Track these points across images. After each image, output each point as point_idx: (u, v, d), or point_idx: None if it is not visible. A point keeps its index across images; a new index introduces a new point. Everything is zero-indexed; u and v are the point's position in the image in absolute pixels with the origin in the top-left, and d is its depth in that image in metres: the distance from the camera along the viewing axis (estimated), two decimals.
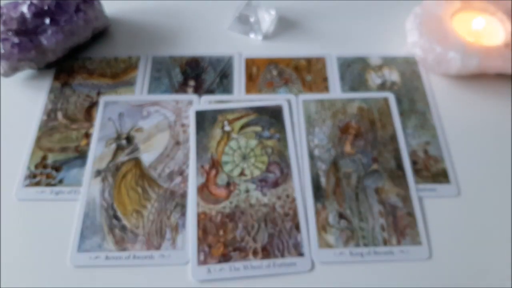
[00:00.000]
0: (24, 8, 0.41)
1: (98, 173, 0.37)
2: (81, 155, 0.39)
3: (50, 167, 0.38)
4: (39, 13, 0.41)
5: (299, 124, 0.41)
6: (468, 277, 0.33)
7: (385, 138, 0.40)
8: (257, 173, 0.37)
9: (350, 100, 0.42)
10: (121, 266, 0.33)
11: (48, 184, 0.37)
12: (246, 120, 0.41)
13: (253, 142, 0.39)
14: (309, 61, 0.46)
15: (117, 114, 0.41)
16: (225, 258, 0.33)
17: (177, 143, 0.39)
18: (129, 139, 0.40)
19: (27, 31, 0.41)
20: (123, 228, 0.35)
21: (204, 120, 0.41)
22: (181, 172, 0.38)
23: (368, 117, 0.41)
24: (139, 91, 0.43)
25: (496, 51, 0.41)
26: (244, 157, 0.38)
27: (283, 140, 0.39)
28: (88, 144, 0.39)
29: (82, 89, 0.43)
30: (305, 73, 0.45)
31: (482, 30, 0.44)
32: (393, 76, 0.45)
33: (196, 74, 0.45)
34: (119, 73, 0.45)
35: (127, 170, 0.38)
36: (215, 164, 0.38)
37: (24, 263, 0.33)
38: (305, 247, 0.34)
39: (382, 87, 0.44)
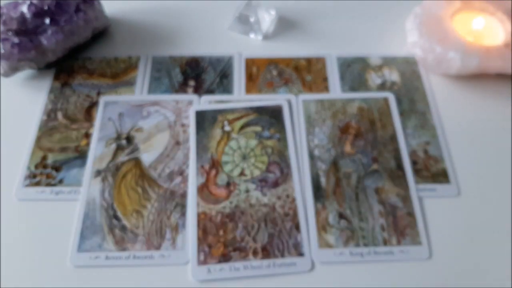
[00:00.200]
0: (24, 8, 0.41)
1: (98, 173, 0.37)
2: (81, 155, 0.39)
3: (50, 167, 0.38)
4: (39, 13, 0.41)
5: (299, 124, 0.41)
6: (468, 277, 0.33)
7: (385, 138, 0.40)
8: (257, 173, 0.37)
9: (350, 100, 0.42)
10: (121, 266, 0.33)
11: (48, 184, 0.37)
12: (246, 120, 0.41)
13: (253, 142, 0.39)
14: (309, 61, 0.46)
15: (117, 114, 0.41)
16: (225, 258, 0.33)
17: (177, 143, 0.39)
18: (129, 139, 0.40)
19: (27, 31, 0.41)
20: (123, 228, 0.35)
21: (204, 120, 0.41)
22: (181, 172, 0.38)
23: (368, 117, 0.41)
24: (139, 91, 0.43)
25: (496, 51, 0.41)
26: (244, 157, 0.38)
27: (283, 140, 0.39)
28: (88, 144, 0.39)
29: (82, 89, 0.43)
30: (305, 73, 0.45)
31: (482, 30, 0.44)
32: (393, 76, 0.45)
33: (196, 74, 0.45)
34: (119, 73, 0.45)
35: (127, 170, 0.38)
36: (215, 164, 0.38)
37: (24, 263, 0.33)
38: (305, 247, 0.34)
39: (382, 87, 0.44)
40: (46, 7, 0.42)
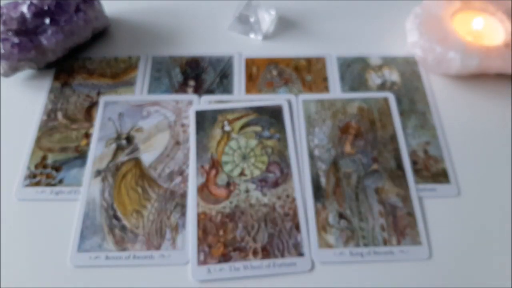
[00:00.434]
0: (24, 8, 0.41)
1: (98, 173, 0.37)
2: (81, 155, 0.39)
3: (50, 167, 0.38)
4: (39, 13, 0.41)
5: (299, 124, 0.41)
6: (468, 277, 0.33)
7: (385, 138, 0.40)
8: (257, 173, 0.37)
9: (350, 100, 0.42)
10: (121, 266, 0.33)
11: (48, 184, 0.37)
12: (246, 120, 0.41)
13: (253, 142, 0.39)
14: (309, 61, 0.46)
15: (117, 114, 0.41)
16: (225, 258, 0.33)
17: (177, 143, 0.39)
18: (129, 139, 0.40)
19: (27, 31, 0.41)
20: (123, 228, 0.35)
21: (204, 120, 0.41)
22: (181, 172, 0.38)
23: (368, 117, 0.41)
24: (139, 91, 0.43)
25: (496, 51, 0.41)
26: (244, 157, 0.38)
27: (283, 140, 0.39)
28: (88, 144, 0.39)
29: (82, 89, 0.43)
30: (305, 73, 0.45)
31: (482, 30, 0.44)
32: (393, 76, 0.45)
33: (196, 74, 0.45)
34: (119, 73, 0.45)
35: (127, 170, 0.38)
36: (215, 164, 0.38)
37: (24, 263, 0.33)
38: (305, 247, 0.34)
39: (382, 87, 0.44)
40: (46, 7, 0.42)
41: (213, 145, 0.39)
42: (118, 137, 0.40)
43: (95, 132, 0.40)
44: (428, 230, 0.35)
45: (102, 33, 0.48)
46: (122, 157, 0.38)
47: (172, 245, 0.34)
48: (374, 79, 0.44)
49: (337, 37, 0.48)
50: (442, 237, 0.35)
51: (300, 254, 0.33)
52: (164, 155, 0.39)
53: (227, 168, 0.38)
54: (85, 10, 0.44)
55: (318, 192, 0.37)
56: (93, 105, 0.42)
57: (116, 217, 0.35)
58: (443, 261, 0.33)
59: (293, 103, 0.42)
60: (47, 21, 0.42)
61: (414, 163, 0.38)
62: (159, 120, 0.41)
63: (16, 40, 0.41)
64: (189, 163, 0.38)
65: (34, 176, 0.37)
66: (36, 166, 0.38)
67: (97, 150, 0.39)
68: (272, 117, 0.41)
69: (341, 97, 0.43)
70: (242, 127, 0.40)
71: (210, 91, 0.43)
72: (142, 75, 0.44)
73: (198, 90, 0.43)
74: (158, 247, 0.34)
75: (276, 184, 0.37)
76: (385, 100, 0.42)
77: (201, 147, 0.39)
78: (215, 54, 0.46)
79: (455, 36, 0.42)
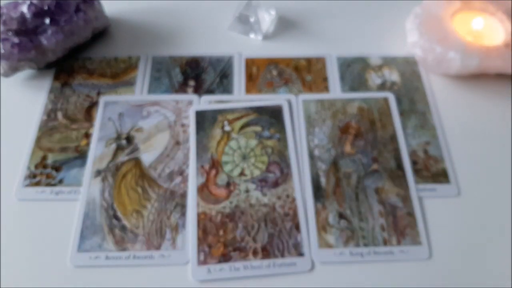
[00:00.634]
0: (24, 8, 0.41)
1: (98, 173, 0.37)
2: (81, 155, 0.39)
3: (50, 167, 0.38)
4: (39, 13, 0.41)
5: (299, 124, 0.41)
6: (468, 277, 0.33)
7: (385, 138, 0.40)
8: (257, 173, 0.37)
9: (350, 100, 0.42)
10: (121, 266, 0.33)
11: (48, 184, 0.37)
12: (246, 120, 0.41)
13: (253, 142, 0.39)
14: (309, 61, 0.46)
15: (117, 114, 0.41)
16: (225, 258, 0.33)
17: (177, 143, 0.39)
18: (129, 139, 0.40)
19: (27, 31, 0.41)
20: (123, 228, 0.35)
21: (204, 120, 0.41)
22: (181, 172, 0.38)
23: (368, 117, 0.41)
24: (139, 91, 0.43)
25: (496, 51, 0.41)
26: (244, 157, 0.38)
27: (283, 140, 0.39)
28: (88, 144, 0.39)
29: (82, 89, 0.43)
30: (305, 73, 0.45)
31: (482, 30, 0.44)
32: (393, 76, 0.45)
33: (196, 74, 0.45)
34: (119, 73, 0.45)
35: (127, 170, 0.38)
36: (215, 164, 0.38)
37: (24, 263, 0.33)
38: (305, 247, 0.34)
39: (382, 87, 0.44)
40: (46, 7, 0.42)
41: (213, 145, 0.39)
42: (118, 137, 0.40)
43: (95, 132, 0.40)
44: (428, 230, 0.35)
45: (102, 33, 0.48)
46: (122, 157, 0.38)
47: (172, 245, 0.34)
48: (374, 79, 0.44)
49: (337, 37, 0.48)
50: (442, 237, 0.35)
51: (300, 254, 0.33)
52: (164, 155, 0.39)
53: (227, 168, 0.38)
54: (85, 10, 0.44)
55: (318, 192, 0.37)
56: (93, 105, 0.42)
57: (116, 217, 0.35)
58: (443, 261, 0.33)
59: (293, 103, 0.42)
60: (47, 21, 0.42)
61: (414, 163, 0.38)
62: (159, 120, 0.41)
63: (16, 40, 0.41)
64: (189, 163, 0.38)
65: (34, 176, 0.37)
66: (36, 166, 0.38)
67: (97, 150, 0.39)
68: (272, 117, 0.41)
69: (341, 97, 0.43)
70: (242, 127, 0.40)
71: (210, 91, 0.43)
72: (142, 75, 0.44)
73: (198, 90, 0.43)
74: (158, 247, 0.34)
75: (276, 184, 0.37)
76: (385, 100, 0.42)
77: (201, 147, 0.39)
78: (215, 54, 0.46)
79: (455, 36, 0.42)
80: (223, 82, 0.44)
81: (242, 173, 0.37)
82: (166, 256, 0.33)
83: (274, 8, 0.49)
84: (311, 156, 0.39)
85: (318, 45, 0.48)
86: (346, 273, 0.33)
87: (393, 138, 0.40)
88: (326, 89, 0.44)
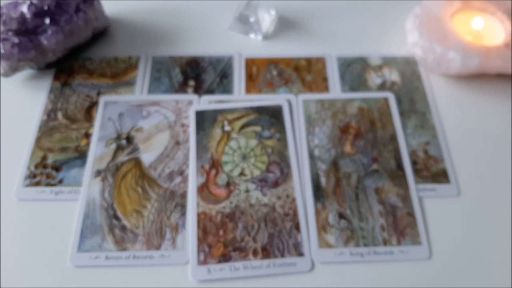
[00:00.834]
0: (24, 8, 0.41)
1: (98, 173, 0.37)
2: (81, 155, 0.39)
3: (50, 167, 0.38)
4: (39, 13, 0.41)
5: (299, 124, 0.41)
6: (468, 277, 0.33)
7: (385, 138, 0.40)
8: (257, 173, 0.37)
9: (350, 100, 0.42)
10: (121, 266, 0.33)
11: (48, 184, 0.37)
12: (246, 120, 0.41)
13: (253, 142, 0.39)
14: (309, 61, 0.46)
15: (117, 114, 0.41)
16: (225, 258, 0.33)
17: (177, 143, 0.39)
18: (129, 139, 0.40)
19: (27, 31, 0.41)
20: (123, 228, 0.35)
21: (204, 120, 0.41)
22: (181, 172, 0.38)
23: (368, 117, 0.41)
24: (139, 91, 0.43)
25: (496, 51, 0.41)
26: (244, 157, 0.38)
27: (283, 140, 0.39)
28: (88, 144, 0.39)
29: (82, 89, 0.43)
30: (305, 73, 0.45)
31: (482, 30, 0.44)
32: (393, 76, 0.45)
33: (196, 74, 0.45)
34: (119, 73, 0.45)
35: (127, 170, 0.38)
36: (215, 164, 0.38)
37: (24, 263, 0.33)
38: (305, 247, 0.34)
39: (382, 87, 0.44)
40: (46, 7, 0.42)
41: (213, 145, 0.39)
42: (118, 137, 0.40)
43: (95, 132, 0.40)
44: (428, 230, 0.35)
45: (102, 33, 0.48)
46: (122, 157, 0.38)
47: (172, 245, 0.34)
48: (374, 79, 0.44)
49: (337, 37, 0.48)
50: (442, 237, 0.35)
51: (300, 254, 0.33)
52: (164, 155, 0.39)
53: (227, 168, 0.38)
54: (85, 10, 0.44)
55: (318, 192, 0.37)
56: (93, 105, 0.42)
57: (116, 217, 0.35)
58: (443, 261, 0.33)
59: (293, 103, 0.42)
60: (47, 21, 0.42)
61: (414, 163, 0.38)
62: (159, 120, 0.41)
63: (16, 40, 0.41)
64: (189, 163, 0.38)
65: (34, 176, 0.37)
66: (36, 166, 0.38)
67: (97, 150, 0.39)
68: (272, 117, 0.41)
69: (341, 97, 0.43)
70: (242, 127, 0.40)
71: (210, 91, 0.43)
72: (142, 75, 0.44)
73: (198, 90, 0.43)
74: (158, 247, 0.34)
75: (276, 184, 0.37)
76: (385, 100, 0.42)
77: (201, 147, 0.39)
78: (215, 54, 0.46)
79: (455, 36, 0.42)
80: (223, 82, 0.44)
81: (242, 173, 0.37)
82: (166, 256, 0.33)
83: (274, 8, 0.49)
84: (311, 156, 0.39)
85: (318, 45, 0.48)
86: (346, 273, 0.33)
87: (393, 138, 0.40)
88: (326, 89, 0.44)
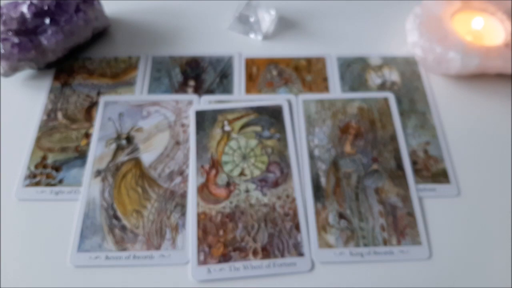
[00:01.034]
0: (24, 8, 0.41)
1: (98, 173, 0.37)
2: (81, 155, 0.39)
3: (50, 167, 0.38)
4: (39, 13, 0.41)
5: (299, 124, 0.41)
6: (468, 277, 0.33)
7: (385, 138, 0.40)
8: (257, 173, 0.37)
9: (350, 100, 0.42)
10: (121, 266, 0.33)
11: (48, 184, 0.37)
12: (246, 120, 0.41)
13: (253, 142, 0.39)
14: (309, 61, 0.46)
15: (117, 114, 0.41)
16: (225, 258, 0.33)
17: (177, 143, 0.39)
18: (129, 139, 0.40)
19: (27, 31, 0.41)
20: (123, 228, 0.35)
21: (204, 120, 0.41)
22: (181, 172, 0.38)
23: (368, 117, 0.41)
24: (139, 91, 0.43)
25: (496, 51, 0.41)
26: (244, 157, 0.38)
27: (283, 140, 0.39)
28: (88, 144, 0.39)
29: (82, 89, 0.43)
30: (305, 73, 0.45)
31: (482, 30, 0.44)
32: (393, 76, 0.45)
33: (196, 74, 0.45)
34: (119, 73, 0.45)
35: (127, 170, 0.38)
36: (215, 164, 0.38)
37: (24, 263, 0.33)
38: (305, 247, 0.34)
39: (382, 87, 0.44)
40: (46, 7, 0.42)
41: (213, 145, 0.39)
42: (118, 137, 0.40)
43: (95, 132, 0.40)
44: (428, 230, 0.35)
45: (102, 33, 0.48)
46: (122, 157, 0.38)
47: (172, 245, 0.34)
48: (374, 79, 0.44)
49: (337, 37, 0.48)
50: (442, 237, 0.35)
51: (300, 254, 0.33)
52: (164, 155, 0.39)
53: (227, 168, 0.38)
54: (85, 10, 0.44)
55: (318, 192, 0.37)
56: (93, 105, 0.42)
57: (116, 217, 0.35)
58: (443, 261, 0.33)
59: (293, 103, 0.42)
60: (47, 21, 0.42)
61: (414, 163, 0.38)
62: (159, 120, 0.41)
63: (16, 40, 0.41)
64: (189, 163, 0.38)
65: (34, 176, 0.37)
66: (36, 166, 0.38)
67: (97, 150, 0.39)
68: (272, 117, 0.41)
69: (341, 97, 0.43)
70: (242, 127, 0.40)
71: (210, 91, 0.43)
72: (142, 75, 0.44)
73: (198, 90, 0.43)
74: (158, 247, 0.34)
75: (276, 184, 0.37)
76: (385, 100, 0.42)
77: (201, 147, 0.39)
78: (215, 54, 0.46)
79: (455, 36, 0.42)
80: (223, 82, 0.44)
81: (242, 173, 0.37)
82: (166, 256, 0.33)
83: (274, 8, 0.49)
84: (311, 156, 0.39)
85: (318, 45, 0.48)
86: (346, 273, 0.33)
87: (393, 138, 0.40)
88: (326, 89, 0.44)
